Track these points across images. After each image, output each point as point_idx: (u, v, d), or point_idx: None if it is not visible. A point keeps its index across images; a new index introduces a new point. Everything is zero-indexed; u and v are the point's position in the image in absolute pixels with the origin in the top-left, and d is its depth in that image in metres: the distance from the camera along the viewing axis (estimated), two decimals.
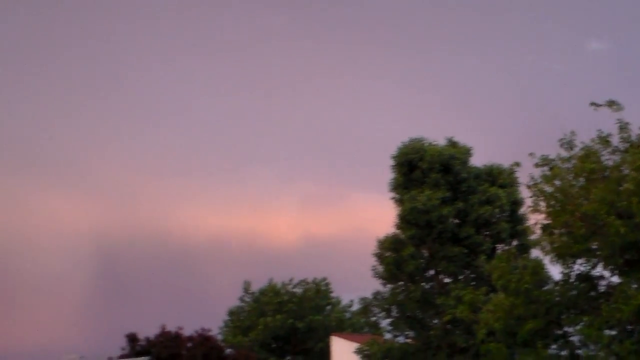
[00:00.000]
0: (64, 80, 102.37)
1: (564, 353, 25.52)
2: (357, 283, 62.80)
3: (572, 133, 26.28)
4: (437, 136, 37.46)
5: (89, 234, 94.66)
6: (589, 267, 25.92)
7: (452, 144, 37.27)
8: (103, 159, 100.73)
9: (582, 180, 25.52)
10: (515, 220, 36.52)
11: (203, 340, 48.58)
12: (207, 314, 71.58)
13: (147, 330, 50.06)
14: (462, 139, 37.88)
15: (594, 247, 25.19)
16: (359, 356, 35.97)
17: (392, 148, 36.73)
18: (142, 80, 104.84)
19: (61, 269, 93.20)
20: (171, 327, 49.63)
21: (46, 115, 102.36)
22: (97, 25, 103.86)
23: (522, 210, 36.29)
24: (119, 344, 49.48)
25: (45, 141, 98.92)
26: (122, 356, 48.22)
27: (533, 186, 26.47)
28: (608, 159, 25.64)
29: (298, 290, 62.28)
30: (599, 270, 25.91)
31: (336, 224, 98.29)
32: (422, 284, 36.08)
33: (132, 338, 49.27)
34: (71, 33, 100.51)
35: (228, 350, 51.57)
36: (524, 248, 34.08)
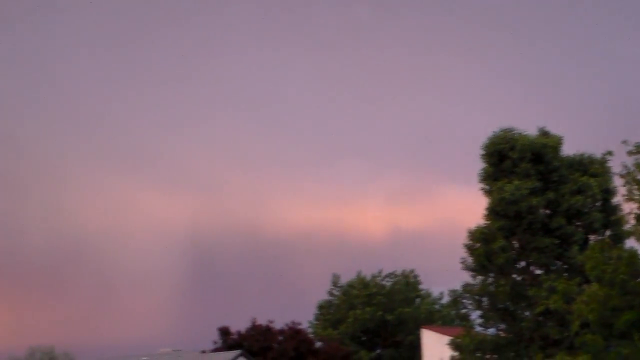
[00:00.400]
0: (159, 80, 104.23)
1: None
2: (446, 275, 62.37)
3: None
4: (526, 126, 36.94)
5: (183, 229, 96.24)
6: None
7: (544, 133, 36.69)
8: (197, 156, 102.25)
9: None
10: (608, 209, 35.75)
11: (293, 333, 48.96)
12: (297, 307, 72.15)
13: (239, 324, 50.75)
14: (552, 128, 37.27)
15: None
16: (451, 348, 35.73)
17: (480, 139, 36.37)
18: (236, 75, 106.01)
19: (156, 265, 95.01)
20: (262, 321, 50.23)
21: (140, 116, 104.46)
22: (189, 23, 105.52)
23: (615, 199, 35.52)
24: (212, 338, 50.30)
25: (142, 142, 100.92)
26: (214, 349, 48.99)
27: (626, 175, 25.87)
28: None
29: (387, 282, 62.20)
30: None
31: (424, 216, 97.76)
32: (512, 275, 35.64)
33: (224, 332, 50.01)
34: (166, 33, 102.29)
35: (318, 344, 51.87)
36: (618, 238, 33.32)
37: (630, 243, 27.53)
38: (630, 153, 26.02)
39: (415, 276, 62.91)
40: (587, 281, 27.30)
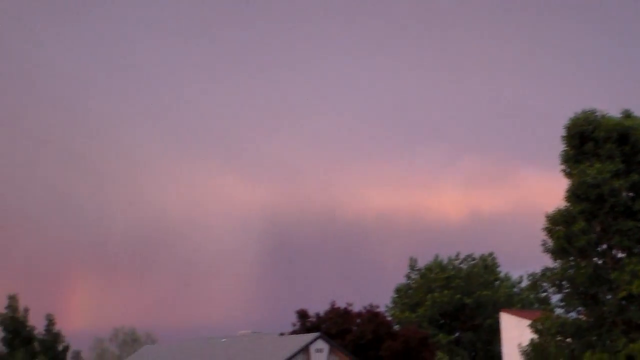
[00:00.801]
0: (240, 70, 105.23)
1: None
2: (525, 259, 61.80)
3: None
4: (607, 108, 36.24)
5: (261, 213, 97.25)
6: None
7: (627, 115, 35.95)
8: (274, 140, 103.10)
9: None
10: None
11: (372, 316, 49.08)
12: (374, 290, 72.30)
13: (317, 307, 51.09)
14: (635, 110, 36.50)
15: None
16: (531, 331, 35.41)
17: (561, 121, 35.81)
18: (313, 62, 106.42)
19: (236, 248, 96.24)
20: (340, 304, 50.46)
21: (221, 104, 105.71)
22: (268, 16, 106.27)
23: None
24: (290, 320, 50.75)
25: (221, 128, 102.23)
26: (293, 332, 49.42)
27: None
28: None
29: (464, 266, 61.88)
30: None
31: (503, 199, 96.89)
32: (593, 259, 35.10)
33: (302, 314, 50.40)
34: (240, 19, 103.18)
35: (396, 327, 51.92)
36: None
37: None
38: None
39: (494, 259, 62.43)
40: None
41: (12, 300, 43.38)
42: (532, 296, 45.98)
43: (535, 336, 35.29)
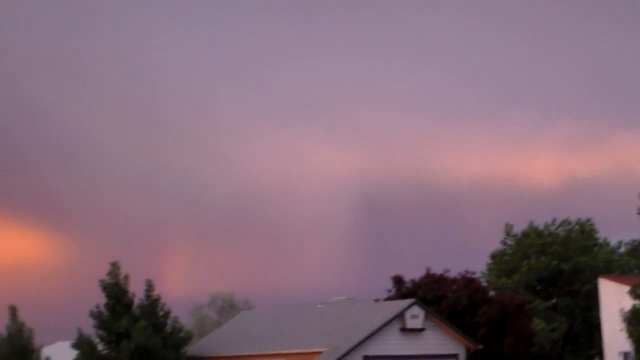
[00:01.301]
0: (330, 35, 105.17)
1: None
2: (624, 225, 60.41)
3: None
4: None
5: (353, 179, 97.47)
6: None
7: None
8: (366, 106, 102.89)
9: None
10: None
11: (467, 282, 48.87)
12: (469, 257, 71.86)
13: (412, 273, 51.11)
14: None
15: None
16: (631, 297, 34.82)
17: None
18: (404, 25, 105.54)
19: (330, 215, 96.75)
20: (435, 270, 50.37)
21: (311, 68, 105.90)
22: None
23: None
24: (385, 286, 50.91)
25: (312, 94, 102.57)
26: (388, 298, 49.59)
27: None
28: None
29: (561, 231, 60.94)
30: None
31: (599, 164, 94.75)
32: None
33: (397, 280, 50.50)
34: None
35: (492, 293, 51.61)
36: None
37: None
38: None
39: (592, 225, 61.28)
40: None
41: (114, 267, 44.41)
42: (632, 262, 45.27)
43: (636, 302, 34.71)
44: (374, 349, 41.53)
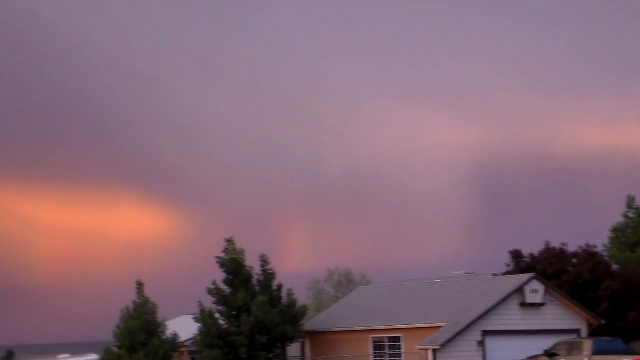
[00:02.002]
0: (444, 16, 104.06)
1: None
2: None
3: None
4: None
5: (472, 154, 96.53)
6: None
7: None
8: (483, 81, 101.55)
9: None
10: None
11: (588, 256, 47.79)
12: (589, 230, 70.23)
13: (531, 247, 50.33)
14: None
15: None
16: None
17: None
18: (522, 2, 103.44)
19: (447, 189, 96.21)
20: (555, 244, 49.44)
21: (430, 43, 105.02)
22: None
23: None
24: (503, 261, 50.32)
25: (428, 70, 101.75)
26: (506, 272, 49.01)
27: None
28: None
29: None
30: None
31: None
32: None
33: (516, 254, 49.82)
34: None
35: (614, 267, 50.33)
36: None
37: None
38: None
39: None
40: None
41: (229, 243, 45.32)
42: None
43: None
44: (493, 324, 41.17)
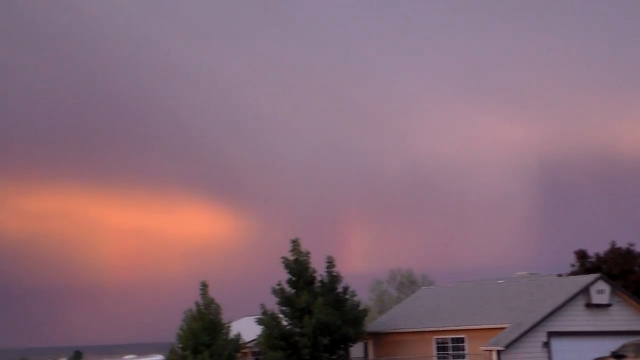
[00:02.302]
0: (509, 12, 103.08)
1: None
2: None
3: None
4: None
5: (533, 152, 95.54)
6: None
7: None
8: (545, 78, 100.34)
9: None
10: None
11: None
12: None
13: (596, 247, 49.64)
14: None
15: None
16: None
17: None
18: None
19: (508, 189, 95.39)
20: (621, 244, 48.70)
21: (490, 46, 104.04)
22: None
23: None
24: (568, 261, 49.71)
25: (488, 68, 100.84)
26: (571, 273, 48.42)
27: None
28: None
29: None
30: None
31: None
32: None
33: (581, 255, 49.18)
34: None
35: None
36: None
37: None
38: None
39: None
40: None
41: (295, 244, 45.33)
42: None
43: None
44: (558, 325, 40.65)
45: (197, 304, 47.02)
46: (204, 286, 47.42)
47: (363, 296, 49.18)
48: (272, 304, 45.15)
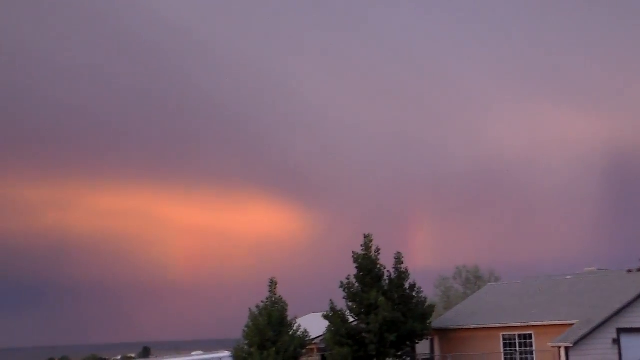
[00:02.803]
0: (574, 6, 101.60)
1: None
2: None
3: None
4: None
5: (601, 147, 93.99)
6: None
7: None
8: (614, 70, 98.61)
9: None
10: None
11: None
12: None
13: None
14: None
15: None
16: None
17: None
18: None
19: (575, 183, 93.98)
20: None
21: (558, 41, 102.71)
22: None
23: None
24: (638, 256, 48.82)
25: (555, 62, 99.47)
26: None
27: None
28: None
29: None
30: None
31: None
32: None
33: None
34: None
35: None
36: None
37: None
38: None
39: None
40: None
41: (367, 239, 45.12)
42: None
43: None
44: (628, 322, 39.95)
45: (264, 300, 47.33)
46: (273, 283, 47.70)
47: (428, 292, 48.90)
48: (339, 300, 45.23)
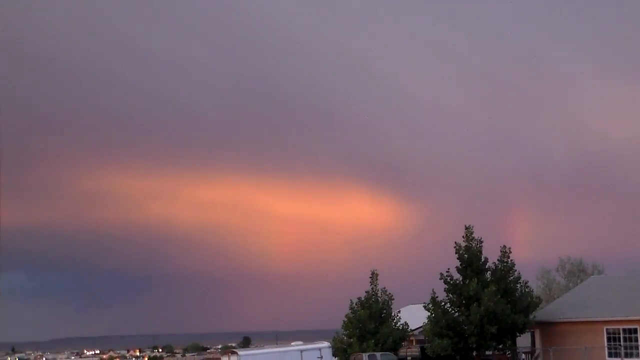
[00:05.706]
0: None
1: None
2: None
3: None
4: None
5: None
6: None
7: None
8: None
9: None
10: None
11: None
12: None
13: None
14: None
15: None
16: None
17: None
18: None
19: None
20: None
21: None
22: None
23: None
24: None
25: None
26: None
27: None
28: None
29: None
30: None
31: None
32: None
33: None
34: None
35: None
36: None
37: None
38: None
39: None
40: None
41: (468, 230, 44.68)
42: None
43: None
44: None
45: (366, 292, 47.45)
46: (374, 275, 47.77)
47: (531, 285, 48.17)
48: (439, 292, 44.96)
